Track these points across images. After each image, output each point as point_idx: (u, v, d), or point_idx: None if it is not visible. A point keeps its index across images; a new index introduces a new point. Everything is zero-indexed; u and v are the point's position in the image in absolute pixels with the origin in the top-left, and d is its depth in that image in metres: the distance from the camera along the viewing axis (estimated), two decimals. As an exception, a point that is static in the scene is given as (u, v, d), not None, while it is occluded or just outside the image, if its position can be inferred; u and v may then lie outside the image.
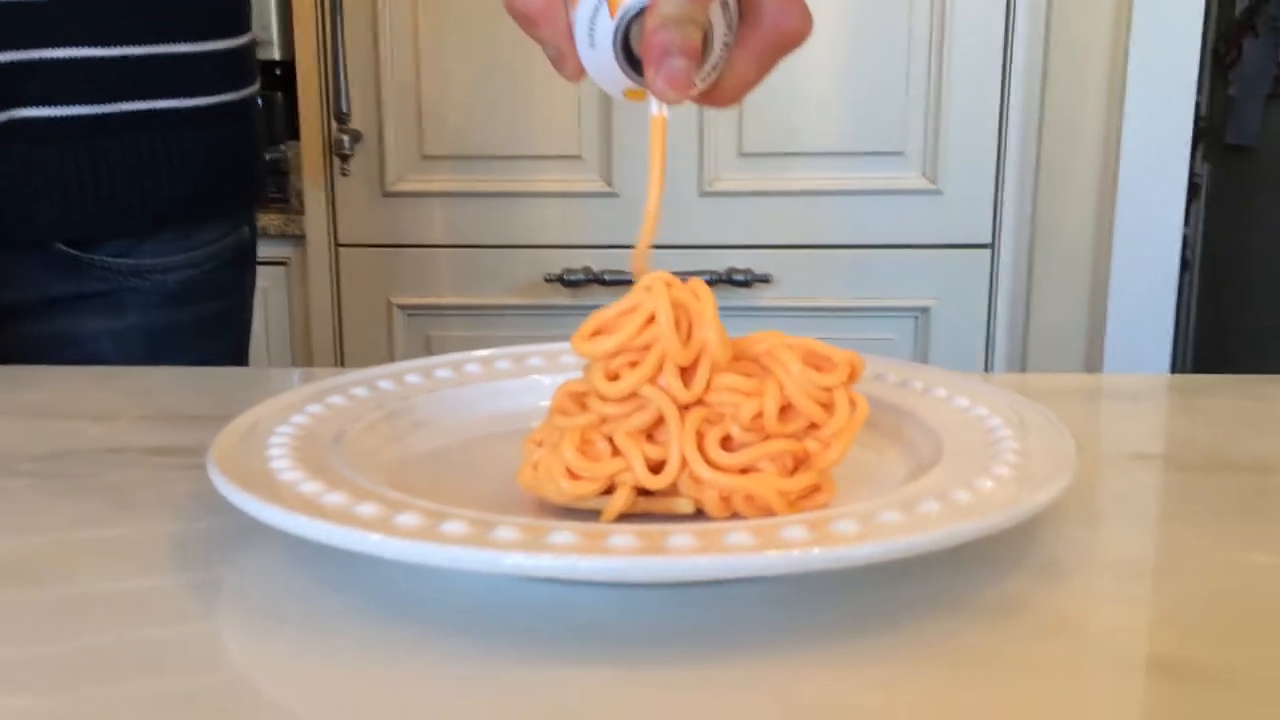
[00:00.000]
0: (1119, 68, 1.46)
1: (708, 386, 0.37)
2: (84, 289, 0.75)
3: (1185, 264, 2.54)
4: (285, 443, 0.40)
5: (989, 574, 0.36)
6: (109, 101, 0.71)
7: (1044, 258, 1.52)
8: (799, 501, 0.37)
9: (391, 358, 1.60)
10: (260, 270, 0.89)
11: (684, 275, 0.39)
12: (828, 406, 0.38)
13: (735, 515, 0.37)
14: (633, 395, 0.37)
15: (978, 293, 1.52)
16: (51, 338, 0.75)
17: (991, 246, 1.51)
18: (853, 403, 0.38)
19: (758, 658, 0.31)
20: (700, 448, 0.37)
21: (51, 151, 0.70)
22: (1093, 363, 1.52)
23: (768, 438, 0.37)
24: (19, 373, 0.66)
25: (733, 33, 0.40)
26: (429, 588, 0.35)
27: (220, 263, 0.80)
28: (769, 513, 0.37)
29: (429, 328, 1.60)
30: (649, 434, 0.38)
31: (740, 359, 0.39)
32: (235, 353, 0.84)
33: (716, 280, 1.50)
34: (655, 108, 0.39)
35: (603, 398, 0.38)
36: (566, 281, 1.54)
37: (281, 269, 1.64)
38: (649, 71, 0.38)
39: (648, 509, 0.38)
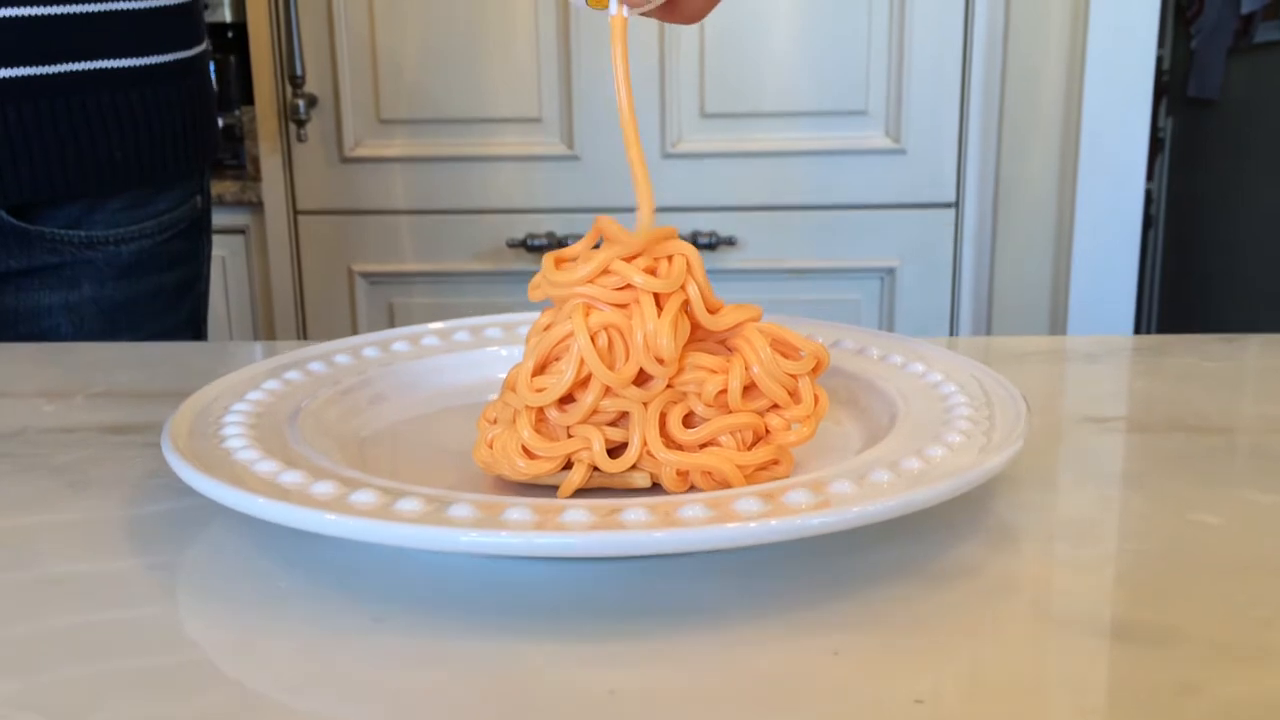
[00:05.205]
0: (1080, 23, 1.46)
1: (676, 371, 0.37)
2: (34, 262, 0.74)
3: (1150, 219, 2.55)
4: (241, 420, 0.40)
5: (943, 541, 0.36)
6: (51, 62, 0.70)
7: (1008, 216, 1.53)
8: (756, 474, 0.38)
9: (354, 325, 1.59)
10: (218, 239, 0.88)
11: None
12: (792, 393, 0.38)
13: (693, 488, 0.37)
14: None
15: (943, 252, 1.53)
16: (2, 314, 0.74)
17: (956, 205, 1.52)
18: (816, 396, 0.38)
19: (710, 630, 0.31)
20: (662, 427, 0.37)
21: None
22: (1057, 319, 1.54)
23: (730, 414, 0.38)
24: (-30, 351, 0.65)
25: None
26: (385, 565, 0.35)
27: (175, 233, 0.79)
28: (726, 485, 0.37)
29: (391, 295, 1.59)
30: (611, 421, 0.38)
31: (705, 339, 0.39)
32: (193, 324, 0.83)
33: (681, 242, 1.50)
34: (614, 7, 0.39)
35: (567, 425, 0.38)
36: (529, 246, 1.53)
37: (239, 237, 1.62)
38: None
39: (605, 484, 0.38)
